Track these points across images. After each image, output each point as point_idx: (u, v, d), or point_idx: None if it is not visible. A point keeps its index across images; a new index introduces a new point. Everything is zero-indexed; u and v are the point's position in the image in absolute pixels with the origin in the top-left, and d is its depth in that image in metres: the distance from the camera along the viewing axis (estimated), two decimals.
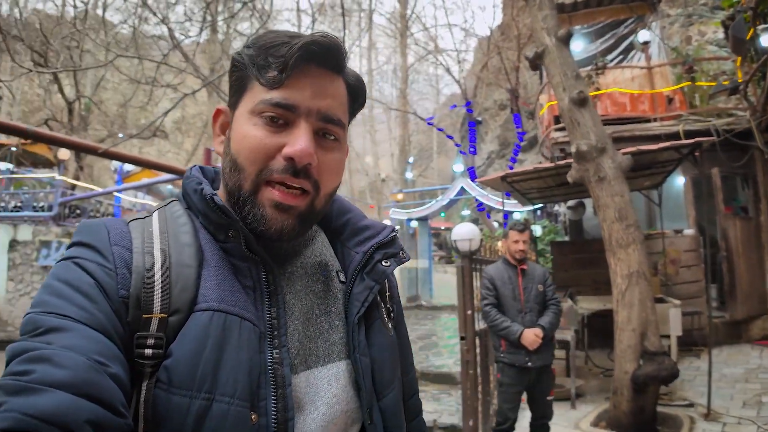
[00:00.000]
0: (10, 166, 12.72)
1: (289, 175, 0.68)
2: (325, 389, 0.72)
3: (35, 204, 12.04)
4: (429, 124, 19.60)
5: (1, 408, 0.47)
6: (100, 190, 13.72)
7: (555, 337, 4.02)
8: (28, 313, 0.58)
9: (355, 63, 28.05)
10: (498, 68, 13.55)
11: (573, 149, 4.64)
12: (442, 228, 27.99)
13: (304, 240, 0.81)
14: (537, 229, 10.38)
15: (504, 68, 12.18)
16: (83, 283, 0.60)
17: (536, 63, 5.60)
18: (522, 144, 13.97)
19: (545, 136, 9.06)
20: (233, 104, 0.74)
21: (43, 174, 14.00)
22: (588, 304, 6.74)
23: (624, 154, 4.72)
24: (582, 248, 8.66)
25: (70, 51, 12.52)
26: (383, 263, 0.81)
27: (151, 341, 0.61)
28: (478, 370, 4.29)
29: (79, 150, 8.29)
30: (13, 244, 11.14)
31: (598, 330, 6.70)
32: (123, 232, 0.68)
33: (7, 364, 0.53)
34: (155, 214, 0.73)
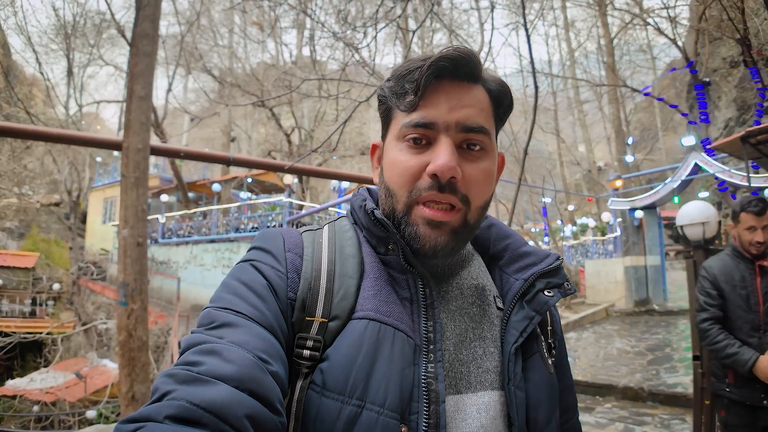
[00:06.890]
0: (249, 194, 15.40)
1: (436, 191, 0.68)
2: (473, 417, 0.68)
3: (268, 224, 14.25)
4: (645, 94, 17.03)
5: (170, 395, 0.50)
6: (318, 206, 15.56)
7: None
8: (206, 308, 0.64)
9: (554, 47, 26.20)
10: (719, 19, 10.97)
11: None
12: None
13: (460, 261, 0.80)
14: None
15: (726, 13, 9.77)
16: (257, 284, 0.66)
17: None
18: (765, 102, 10.99)
19: None
20: (384, 136, 0.78)
21: (274, 198, 16.54)
22: None
23: None
24: None
25: (282, 89, 14.53)
26: (546, 293, 0.76)
27: (310, 343, 0.65)
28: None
29: (268, 169, 9.61)
30: None
31: None
32: (297, 241, 0.74)
33: (181, 354, 0.57)
34: (326, 227, 0.79)
